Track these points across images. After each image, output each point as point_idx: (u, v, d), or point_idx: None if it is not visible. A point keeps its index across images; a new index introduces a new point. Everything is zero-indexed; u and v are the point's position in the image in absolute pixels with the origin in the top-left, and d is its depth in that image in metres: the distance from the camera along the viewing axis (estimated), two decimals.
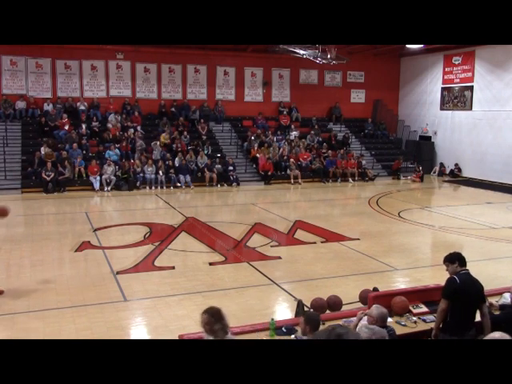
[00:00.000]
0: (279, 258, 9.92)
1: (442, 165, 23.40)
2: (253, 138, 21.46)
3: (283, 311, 7.39)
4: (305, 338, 4.41)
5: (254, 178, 20.30)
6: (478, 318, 4.92)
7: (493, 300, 5.65)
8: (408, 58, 25.10)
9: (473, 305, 4.79)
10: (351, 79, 25.23)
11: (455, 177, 22.32)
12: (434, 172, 23.48)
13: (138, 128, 20.61)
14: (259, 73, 23.69)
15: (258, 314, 6.92)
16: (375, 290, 6.59)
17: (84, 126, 19.69)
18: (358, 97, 25.54)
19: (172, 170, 18.96)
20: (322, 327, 4.37)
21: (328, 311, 5.91)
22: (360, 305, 6.23)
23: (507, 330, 3.21)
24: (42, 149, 18.05)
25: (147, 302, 7.61)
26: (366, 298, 5.87)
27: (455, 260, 4.86)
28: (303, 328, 4.19)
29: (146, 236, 11.43)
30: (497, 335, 3.06)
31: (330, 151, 21.79)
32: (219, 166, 19.62)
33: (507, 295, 5.54)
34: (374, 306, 4.52)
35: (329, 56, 20.08)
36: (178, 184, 18.67)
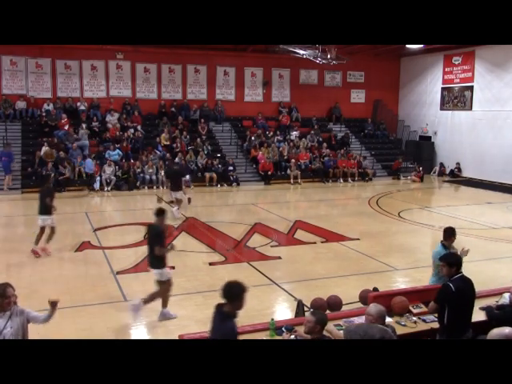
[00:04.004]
0: (279, 258, 9.92)
1: (441, 165, 23.40)
2: (253, 138, 21.46)
3: (283, 311, 7.39)
4: (305, 335, 4.41)
5: (254, 178, 20.29)
6: (475, 318, 4.93)
7: (492, 300, 5.66)
8: (408, 58, 25.09)
9: (468, 308, 4.78)
10: (351, 79, 25.22)
11: (455, 177, 22.32)
12: (434, 172, 23.47)
13: (139, 128, 20.60)
14: (259, 73, 23.68)
15: (258, 314, 6.92)
16: (375, 290, 6.59)
17: (84, 126, 19.68)
18: (358, 97, 25.53)
19: None
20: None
21: (328, 311, 5.90)
22: (360, 305, 6.23)
23: None
24: (43, 149, 18.06)
25: None
26: (366, 298, 5.87)
27: (455, 265, 4.81)
28: (312, 327, 4.12)
29: (146, 236, 11.41)
30: (506, 330, 3.07)
31: (329, 151, 21.80)
32: (219, 165, 19.62)
33: (507, 295, 5.53)
34: (372, 304, 4.50)
35: (329, 56, 20.07)
36: None
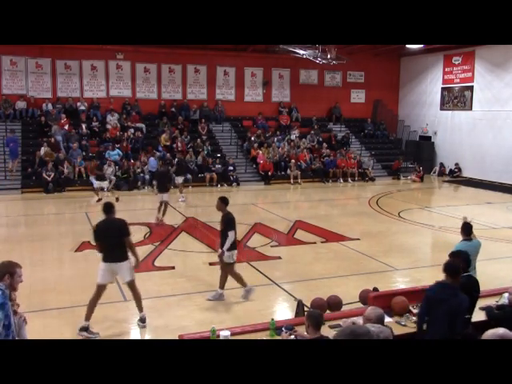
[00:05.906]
0: (279, 258, 9.92)
1: (442, 165, 23.41)
2: (253, 138, 21.46)
3: (283, 311, 7.39)
4: (305, 334, 4.41)
5: (254, 178, 20.29)
6: (475, 318, 4.92)
7: (492, 300, 5.66)
8: (408, 58, 25.09)
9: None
10: (351, 79, 25.22)
11: (455, 177, 22.32)
12: (434, 172, 23.48)
13: (141, 125, 20.61)
14: (259, 73, 23.68)
15: (258, 314, 6.92)
16: (375, 290, 6.59)
17: (84, 126, 19.69)
18: (357, 97, 25.54)
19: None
20: (323, 327, 4.37)
21: (328, 311, 5.91)
22: (360, 305, 6.23)
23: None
24: (42, 149, 18.06)
25: (147, 302, 7.58)
26: (366, 298, 5.88)
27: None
28: (306, 325, 4.21)
29: (146, 236, 11.43)
30: (500, 331, 3.06)
31: (329, 151, 21.80)
32: (219, 165, 19.62)
33: (506, 295, 5.53)
34: (370, 308, 4.50)
35: (329, 56, 20.07)
36: None
